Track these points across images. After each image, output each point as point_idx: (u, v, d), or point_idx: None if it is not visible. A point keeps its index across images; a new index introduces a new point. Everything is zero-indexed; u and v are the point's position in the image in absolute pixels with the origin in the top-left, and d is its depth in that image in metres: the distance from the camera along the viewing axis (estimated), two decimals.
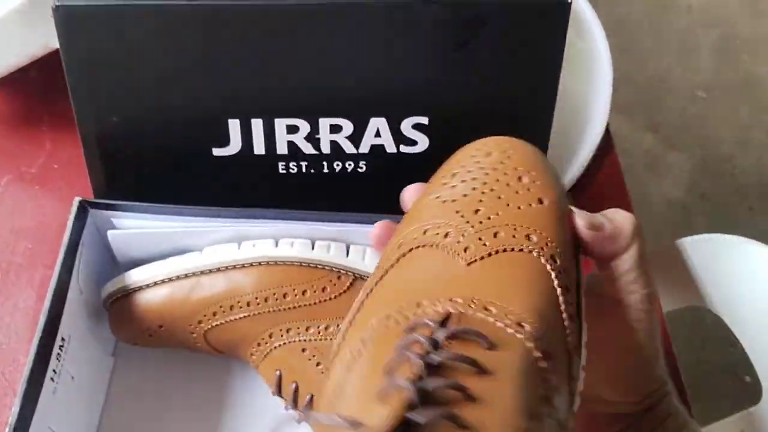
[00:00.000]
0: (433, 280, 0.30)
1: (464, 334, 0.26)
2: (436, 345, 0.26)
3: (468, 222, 0.31)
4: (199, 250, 0.50)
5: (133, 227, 0.50)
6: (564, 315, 0.30)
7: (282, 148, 0.54)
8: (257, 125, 0.53)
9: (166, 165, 0.53)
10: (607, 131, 0.66)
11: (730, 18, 1.79)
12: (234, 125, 0.52)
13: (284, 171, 0.54)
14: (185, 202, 0.50)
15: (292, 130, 0.53)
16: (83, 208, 0.49)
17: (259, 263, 0.49)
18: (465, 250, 0.31)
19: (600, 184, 0.66)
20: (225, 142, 0.53)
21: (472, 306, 0.28)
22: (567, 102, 0.56)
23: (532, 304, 0.29)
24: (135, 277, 0.49)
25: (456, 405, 0.24)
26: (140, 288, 0.49)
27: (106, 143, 0.52)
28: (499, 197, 0.32)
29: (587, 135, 0.65)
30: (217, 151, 0.53)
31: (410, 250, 0.32)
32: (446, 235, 0.31)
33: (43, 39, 0.52)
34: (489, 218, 0.31)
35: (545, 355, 0.27)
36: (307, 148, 0.53)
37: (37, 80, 0.66)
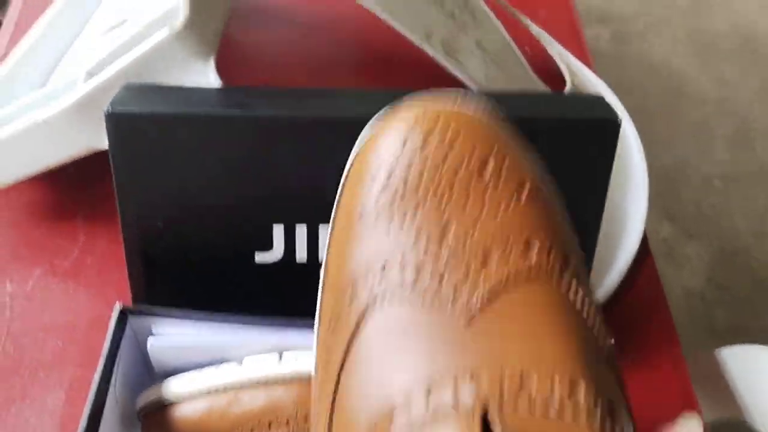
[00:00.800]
0: (431, 357, 0.20)
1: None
2: None
3: (440, 250, 0.22)
4: (239, 360, 0.49)
5: (171, 333, 0.49)
6: (599, 339, 0.22)
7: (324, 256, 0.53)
8: (301, 231, 0.52)
9: (207, 270, 0.52)
10: (644, 237, 0.66)
11: (745, 108, 1.81)
12: (278, 230, 0.52)
13: None
14: (226, 309, 0.49)
15: None
16: (123, 315, 0.48)
17: (301, 378, 0.47)
18: (453, 303, 0.21)
19: (638, 290, 0.65)
20: (268, 247, 0.52)
21: (506, 383, 0.20)
22: (606, 205, 0.55)
23: (577, 351, 0.21)
24: (172, 388, 0.48)
25: None
26: (176, 400, 0.48)
27: (149, 248, 0.51)
28: (464, 206, 0.23)
29: (624, 242, 0.64)
30: (259, 257, 0.52)
31: (373, 311, 0.22)
32: (416, 282, 0.22)
33: (87, 141, 0.52)
34: (465, 243, 0.22)
35: (605, 411, 0.20)
36: None
37: (72, 172, 0.66)
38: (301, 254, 0.52)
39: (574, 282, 0.23)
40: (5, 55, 0.74)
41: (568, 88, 0.72)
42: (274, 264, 0.53)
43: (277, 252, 0.52)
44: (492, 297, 0.21)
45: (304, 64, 0.72)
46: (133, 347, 0.50)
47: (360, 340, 0.22)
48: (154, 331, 0.50)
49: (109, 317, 0.50)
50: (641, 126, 1.77)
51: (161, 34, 0.47)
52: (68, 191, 0.67)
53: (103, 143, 0.51)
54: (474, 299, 0.21)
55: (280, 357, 0.48)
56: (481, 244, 0.22)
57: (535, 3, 0.86)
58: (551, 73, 0.74)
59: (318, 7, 0.73)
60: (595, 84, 0.77)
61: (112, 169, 0.49)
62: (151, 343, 0.49)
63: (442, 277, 0.22)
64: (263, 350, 0.49)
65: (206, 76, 0.49)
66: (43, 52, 0.65)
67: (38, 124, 0.51)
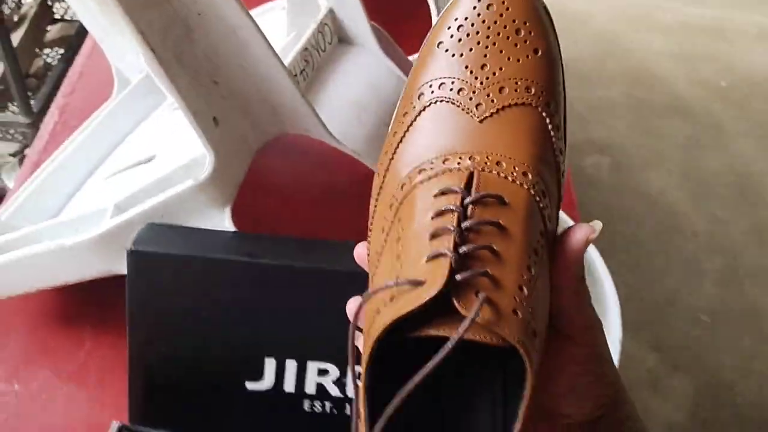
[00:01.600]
0: (454, 136, 0.36)
1: (485, 198, 0.33)
2: (465, 213, 0.32)
3: (477, 78, 0.36)
4: None
5: None
6: (556, 152, 0.36)
7: (311, 388, 0.57)
8: (291, 365, 0.57)
9: (202, 394, 0.57)
10: None
11: (735, 246, 1.87)
12: (269, 363, 0.56)
13: (310, 410, 0.58)
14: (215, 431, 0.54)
15: (323, 373, 0.57)
16: None
17: None
18: (477, 107, 0.36)
19: None
20: (259, 377, 0.57)
21: (488, 162, 0.34)
22: None
23: (535, 153, 0.35)
24: None
25: (484, 262, 0.31)
26: None
27: (151, 369, 0.56)
28: (501, 51, 0.36)
29: None
30: (250, 385, 0.57)
31: (430, 105, 0.36)
32: (460, 91, 0.36)
33: (106, 266, 0.57)
34: (494, 73, 0.36)
35: (543, 194, 0.34)
36: (334, 391, 0.57)
37: (86, 282, 0.71)
38: (289, 386, 0.57)
39: (552, 115, 0.36)
40: (38, 162, 0.80)
41: None
42: (264, 392, 0.57)
43: (267, 381, 0.57)
44: (499, 110, 0.35)
45: (315, 199, 0.78)
46: None
47: (417, 123, 0.37)
48: None
49: (106, 425, 0.54)
50: (634, 256, 1.83)
51: (186, 183, 0.53)
52: (80, 299, 0.72)
53: (121, 269, 0.56)
54: (488, 109, 0.35)
55: None
56: (502, 79, 0.36)
57: None
58: None
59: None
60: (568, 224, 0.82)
61: (126, 298, 0.54)
62: None
63: (474, 94, 0.36)
64: None
65: (222, 222, 0.55)
66: (73, 169, 0.72)
67: (64, 248, 0.56)
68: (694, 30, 2.53)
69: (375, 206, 0.38)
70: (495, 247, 0.31)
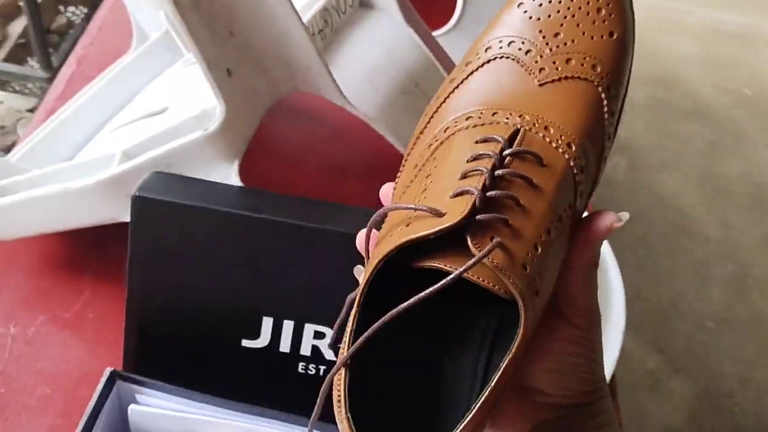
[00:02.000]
0: (510, 93, 0.36)
1: (524, 154, 0.33)
2: (502, 161, 0.32)
3: (548, 44, 0.36)
4: None
5: (153, 405, 0.53)
6: (605, 135, 0.37)
7: (306, 350, 0.57)
8: (288, 326, 0.56)
9: (197, 347, 0.56)
10: (612, 380, 0.69)
11: (746, 255, 1.85)
12: (267, 322, 0.56)
13: (303, 371, 0.57)
14: (208, 387, 0.53)
15: (319, 335, 0.56)
16: (111, 379, 0.52)
17: None
18: (540, 71, 0.36)
19: None
20: (255, 335, 0.56)
21: (536, 125, 0.34)
22: None
23: (584, 128, 0.35)
24: None
25: (507, 210, 0.31)
26: None
27: (147, 319, 0.55)
28: (578, 25, 0.37)
29: None
30: (246, 343, 0.56)
31: (494, 59, 0.37)
32: (527, 53, 0.37)
33: (111, 213, 0.57)
34: (566, 44, 0.36)
35: (581, 170, 0.34)
36: (329, 354, 0.57)
37: (90, 231, 0.71)
38: (285, 346, 0.56)
39: (611, 99, 0.37)
40: (52, 110, 0.80)
41: None
42: (259, 350, 0.56)
43: (263, 340, 0.56)
44: (561, 79, 0.36)
45: (321, 165, 0.78)
46: (115, 410, 0.53)
47: (477, 73, 0.37)
48: (138, 398, 0.53)
49: (100, 373, 0.53)
50: (642, 257, 1.81)
51: (195, 134, 0.53)
52: (82, 247, 0.72)
53: (124, 217, 0.56)
54: (550, 76, 0.36)
55: None
56: (571, 51, 0.36)
57: None
58: None
59: (345, 114, 0.79)
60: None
61: (128, 245, 0.54)
62: (132, 410, 0.53)
63: (541, 58, 0.36)
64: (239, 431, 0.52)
65: (228, 176, 0.54)
66: (86, 118, 0.71)
67: (70, 192, 0.56)
68: (721, 36, 2.50)
69: (413, 145, 0.38)
70: (522, 201, 0.32)
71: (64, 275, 0.70)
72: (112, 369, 0.53)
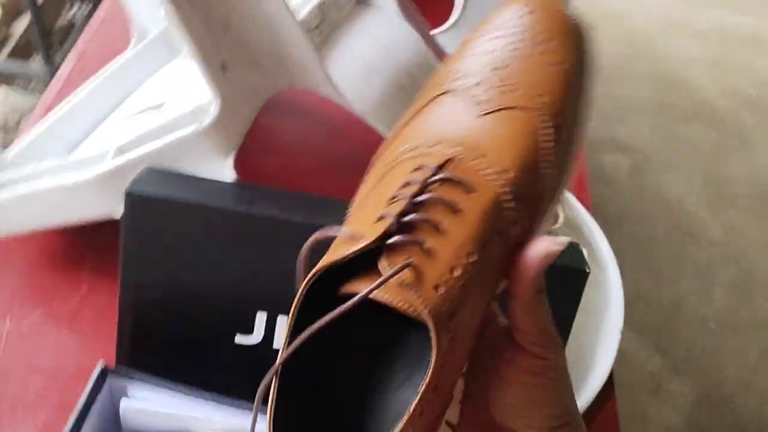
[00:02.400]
0: (453, 124, 0.37)
1: (450, 180, 0.34)
2: (425, 187, 0.33)
3: (497, 76, 0.37)
4: None
5: (145, 399, 0.53)
6: (547, 164, 0.36)
7: None
8: (282, 321, 0.56)
9: (190, 343, 0.56)
10: (610, 380, 0.68)
11: (750, 258, 1.85)
12: (261, 318, 0.56)
13: None
14: (200, 383, 0.53)
15: None
16: (103, 373, 0.52)
17: None
18: (485, 102, 0.37)
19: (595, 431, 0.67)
20: (249, 331, 0.56)
21: (472, 153, 0.35)
22: (572, 345, 0.58)
23: (520, 157, 0.35)
24: None
25: (424, 233, 0.32)
26: None
27: (141, 315, 0.55)
28: (528, 56, 0.37)
29: (589, 382, 0.67)
30: (239, 339, 0.56)
31: (442, 94, 0.38)
32: (477, 85, 0.37)
33: (105, 209, 0.57)
34: (513, 75, 0.37)
35: (515, 197, 0.34)
36: None
37: (87, 226, 0.71)
38: (279, 342, 0.56)
39: (558, 128, 0.36)
40: (52, 105, 0.80)
41: (560, 222, 0.76)
42: (252, 347, 0.56)
43: (256, 336, 0.56)
44: (503, 109, 0.36)
45: (318, 162, 0.77)
46: (107, 405, 0.53)
47: (429, 106, 0.38)
48: (129, 393, 0.53)
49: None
50: (645, 258, 1.81)
51: (189, 128, 0.53)
52: (80, 242, 0.72)
53: (120, 212, 0.56)
54: (493, 107, 0.36)
55: None
56: (519, 82, 0.37)
57: None
58: None
59: (342, 111, 0.79)
60: (587, 223, 0.81)
61: (121, 240, 0.53)
62: (124, 404, 0.53)
63: (488, 90, 0.37)
64: (228, 429, 0.52)
65: (223, 171, 0.54)
66: (83, 115, 0.71)
67: (65, 187, 0.56)
68: (728, 38, 2.49)
69: (374, 162, 0.39)
70: (441, 225, 0.32)
71: (61, 270, 0.70)
72: (104, 364, 0.53)
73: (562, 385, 0.37)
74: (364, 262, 0.31)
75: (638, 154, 2.07)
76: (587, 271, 0.53)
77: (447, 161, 0.34)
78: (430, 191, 0.33)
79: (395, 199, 0.33)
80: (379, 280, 0.29)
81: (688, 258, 1.83)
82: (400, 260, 0.30)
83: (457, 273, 0.31)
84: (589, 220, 0.83)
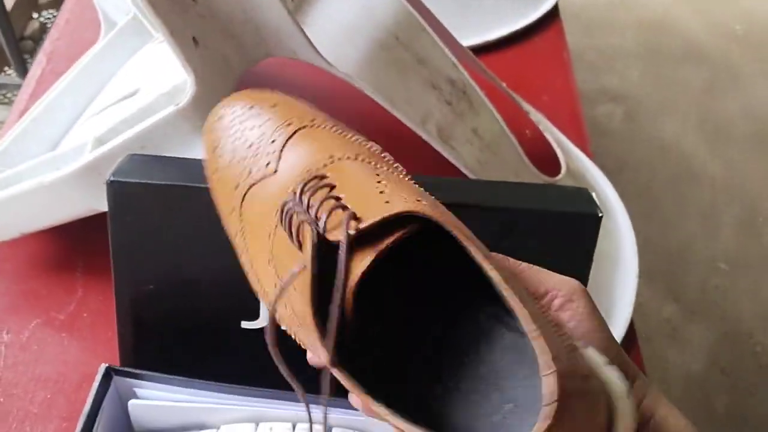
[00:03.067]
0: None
1: (311, 181, 0.36)
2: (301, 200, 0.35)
3: (260, 146, 0.41)
4: (216, 427, 0.50)
5: (154, 398, 0.51)
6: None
7: None
8: None
9: (194, 333, 0.54)
10: (631, 327, 0.66)
11: (752, 194, 1.82)
12: None
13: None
14: (208, 374, 0.51)
15: None
16: (108, 375, 0.50)
17: None
18: (267, 165, 0.40)
19: None
20: (254, 315, 0.54)
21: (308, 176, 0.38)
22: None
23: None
24: None
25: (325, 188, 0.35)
26: None
27: (139, 310, 0.53)
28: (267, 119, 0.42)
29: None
30: (245, 324, 0.54)
31: (252, 186, 0.40)
32: (267, 164, 0.40)
33: (89, 203, 0.54)
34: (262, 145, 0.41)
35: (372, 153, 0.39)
36: None
37: (74, 227, 0.69)
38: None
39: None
40: (25, 109, 0.77)
41: (563, 173, 0.73)
42: (258, 330, 0.54)
43: (263, 320, 0.54)
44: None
45: None
46: (115, 406, 0.51)
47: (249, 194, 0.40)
48: (137, 392, 0.51)
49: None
50: (648, 205, 1.79)
51: (167, 110, 0.50)
52: (69, 244, 0.69)
53: (104, 205, 0.53)
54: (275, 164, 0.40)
55: (256, 426, 0.49)
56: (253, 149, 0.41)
57: (539, 88, 0.89)
58: (548, 158, 0.76)
59: (324, 82, 0.76)
60: (590, 170, 0.79)
61: (109, 234, 0.51)
62: (133, 405, 0.50)
63: (264, 158, 0.40)
64: (240, 419, 0.50)
65: None
66: (59, 113, 0.69)
67: (44, 186, 0.53)
68: None
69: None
70: (336, 193, 0.34)
71: (54, 276, 0.68)
72: (108, 365, 0.50)
73: None
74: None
75: (630, 101, 2.04)
76: (600, 215, 0.51)
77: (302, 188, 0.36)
78: (305, 193, 0.35)
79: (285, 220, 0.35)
80: (343, 236, 0.31)
81: (691, 200, 1.80)
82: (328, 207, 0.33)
83: (385, 182, 0.34)
84: (593, 168, 0.80)
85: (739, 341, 1.57)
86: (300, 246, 0.34)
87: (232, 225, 0.43)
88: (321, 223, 0.32)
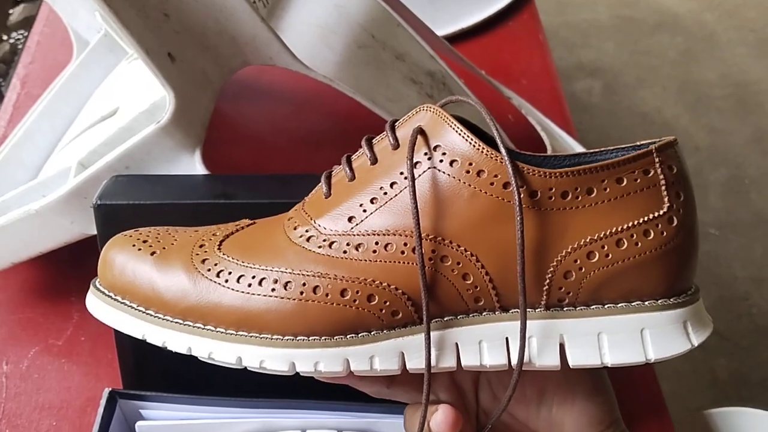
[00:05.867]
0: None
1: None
2: None
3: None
4: None
5: (161, 417, 0.50)
6: None
7: None
8: None
9: None
10: None
11: (737, 156, 1.83)
12: None
13: None
14: (213, 390, 0.51)
15: None
16: (112, 398, 0.50)
17: None
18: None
19: None
20: None
21: None
22: None
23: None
24: None
25: None
26: None
27: None
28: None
29: None
30: None
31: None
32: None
33: (78, 228, 0.54)
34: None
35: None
36: None
37: (64, 251, 0.68)
38: None
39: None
40: (4, 136, 0.76)
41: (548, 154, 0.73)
42: None
43: None
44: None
45: (291, 141, 0.74)
46: (122, 430, 0.51)
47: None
48: (143, 413, 0.51)
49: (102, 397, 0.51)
50: None
51: (148, 129, 0.49)
52: (62, 270, 0.69)
53: (94, 229, 0.53)
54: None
55: None
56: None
57: (517, 72, 0.89)
58: (533, 141, 0.76)
59: (305, 86, 0.76)
60: (575, 149, 0.79)
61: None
62: (140, 427, 0.50)
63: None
64: (250, 431, 0.50)
65: (193, 166, 0.51)
66: (39, 137, 0.68)
67: (31, 215, 0.53)
68: None
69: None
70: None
71: (49, 302, 0.67)
72: (111, 389, 0.50)
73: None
74: None
75: (608, 74, 2.04)
76: None
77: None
78: None
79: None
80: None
81: None
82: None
83: None
84: (577, 146, 0.81)
85: (735, 304, 1.58)
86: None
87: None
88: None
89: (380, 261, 0.37)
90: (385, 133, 0.39)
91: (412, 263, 0.36)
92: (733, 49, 2.11)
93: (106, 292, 0.41)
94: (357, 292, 0.37)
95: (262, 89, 0.80)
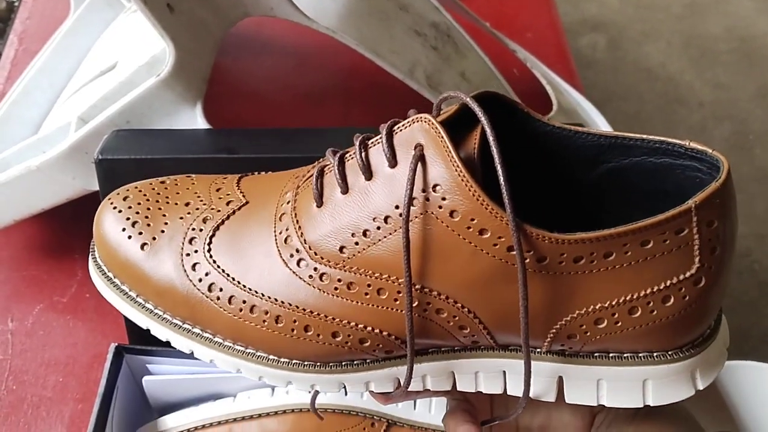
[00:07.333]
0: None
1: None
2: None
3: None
4: (233, 395, 0.50)
5: (167, 372, 0.51)
6: None
7: None
8: None
9: None
10: None
11: (742, 111, 1.82)
12: None
13: None
14: None
15: None
16: (119, 354, 0.50)
17: (293, 410, 0.49)
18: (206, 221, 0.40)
19: None
20: None
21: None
22: None
23: None
24: (169, 423, 0.49)
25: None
26: None
27: None
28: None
29: None
30: None
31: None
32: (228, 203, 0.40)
33: (80, 184, 0.53)
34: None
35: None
36: None
37: (67, 209, 0.68)
38: None
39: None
40: (2, 93, 0.76)
41: (554, 109, 0.73)
42: None
43: None
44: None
45: (293, 96, 0.74)
46: (129, 384, 0.51)
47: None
48: (150, 368, 0.51)
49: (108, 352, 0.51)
50: (639, 132, 1.77)
51: (148, 82, 0.49)
52: (65, 227, 0.69)
53: (95, 185, 0.52)
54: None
55: (273, 391, 0.50)
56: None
57: (522, 26, 0.87)
58: (539, 95, 0.76)
59: (307, 40, 0.75)
60: (581, 104, 0.78)
61: None
62: (147, 381, 0.50)
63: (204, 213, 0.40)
64: (255, 385, 0.50)
65: (194, 120, 0.50)
66: (37, 94, 0.67)
67: (32, 171, 0.52)
68: None
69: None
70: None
71: (52, 259, 0.67)
72: (117, 344, 0.50)
73: None
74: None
75: (612, 29, 2.01)
76: None
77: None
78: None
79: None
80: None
81: (681, 123, 1.80)
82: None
83: None
84: (583, 101, 0.80)
85: (737, 260, 1.57)
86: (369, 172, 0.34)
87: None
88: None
89: (372, 306, 0.35)
90: (380, 137, 0.35)
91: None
92: (739, 3, 2.08)
93: (105, 270, 0.40)
94: (349, 335, 0.35)
95: (263, 43, 0.78)
